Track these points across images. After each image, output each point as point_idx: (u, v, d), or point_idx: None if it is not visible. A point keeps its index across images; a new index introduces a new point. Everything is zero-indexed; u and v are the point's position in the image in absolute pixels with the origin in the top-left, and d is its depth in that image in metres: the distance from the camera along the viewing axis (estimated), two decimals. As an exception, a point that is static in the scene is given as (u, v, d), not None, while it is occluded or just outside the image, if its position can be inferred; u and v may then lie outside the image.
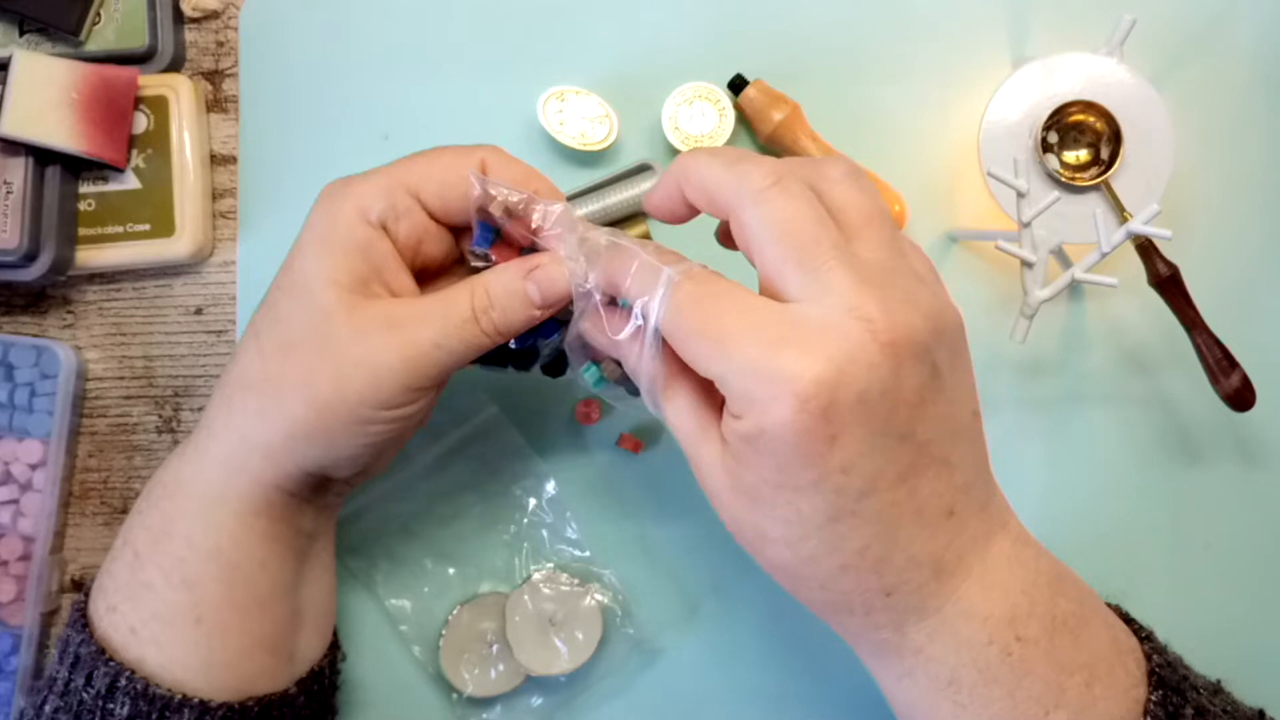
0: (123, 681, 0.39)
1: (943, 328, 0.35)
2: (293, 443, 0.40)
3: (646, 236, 0.51)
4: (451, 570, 0.52)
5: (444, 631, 0.51)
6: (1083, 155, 0.50)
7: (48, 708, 0.40)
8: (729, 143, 0.52)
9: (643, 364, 0.37)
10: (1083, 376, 0.53)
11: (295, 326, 0.39)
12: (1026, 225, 0.46)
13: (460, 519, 0.52)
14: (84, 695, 0.39)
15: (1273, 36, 0.53)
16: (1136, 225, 0.44)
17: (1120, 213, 0.48)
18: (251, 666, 0.41)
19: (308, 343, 0.39)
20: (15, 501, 0.51)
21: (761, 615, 0.52)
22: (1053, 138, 0.49)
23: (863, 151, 0.51)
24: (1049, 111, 0.49)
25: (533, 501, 0.52)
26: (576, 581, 0.51)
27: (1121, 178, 0.49)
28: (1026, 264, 0.47)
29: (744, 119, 0.52)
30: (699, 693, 0.52)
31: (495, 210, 0.39)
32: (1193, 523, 0.53)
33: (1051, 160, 0.49)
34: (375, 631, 0.51)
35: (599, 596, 0.51)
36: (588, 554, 0.52)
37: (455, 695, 0.50)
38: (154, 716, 0.38)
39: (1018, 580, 0.37)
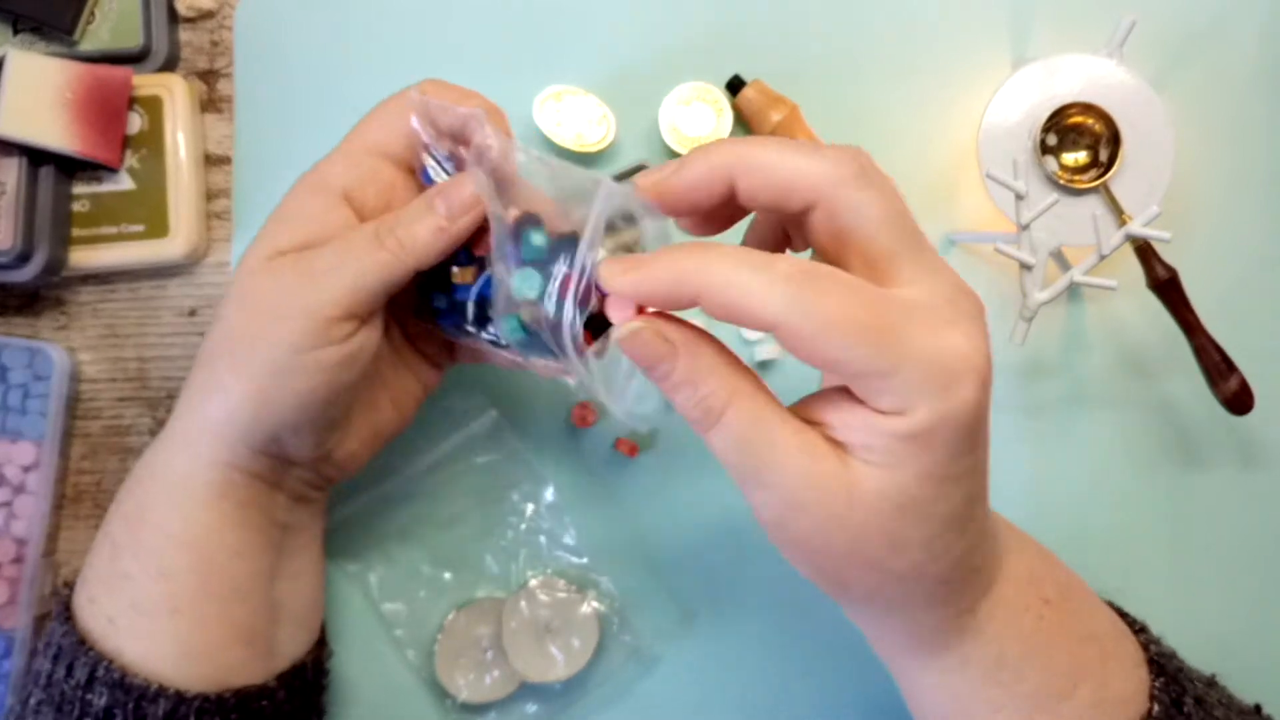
0: (100, 671, 0.39)
1: None
2: (232, 416, 0.39)
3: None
4: (448, 575, 0.52)
5: (439, 637, 0.50)
6: (1082, 157, 0.49)
7: (32, 700, 0.40)
8: (727, 144, 0.52)
9: (569, 299, 0.35)
10: (1082, 379, 0.53)
11: (227, 297, 0.40)
12: (1025, 227, 0.46)
13: (457, 524, 0.52)
14: (65, 686, 0.39)
15: (1273, 38, 0.53)
16: (1135, 228, 0.44)
17: (1119, 215, 0.48)
18: (228, 658, 0.41)
19: (233, 308, 0.39)
20: (8, 504, 0.50)
21: (758, 624, 0.52)
22: (1052, 140, 0.49)
23: (861, 153, 0.51)
24: (1048, 113, 0.48)
25: (530, 507, 0.52)
26: (573, 588, 0.51)
27: (1121, 180, 0.49)
28: (1025, 266, 0.47)
29: (742, 120, 0.52)
30: (695, 701, 0.51)
31: (442, 145, 0.39)
32: (1191, 525, 0.52)
33: (1050, 162, 0.49)
34: (369, 635, 0.51)
35: (595, 604, 0.51)
36: (585, 560, 0.52)
37: (449, 701, 0.50)
38: (131, 706, 0.38)
39: (1020, 544, 0.37)
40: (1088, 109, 0.48)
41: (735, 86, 0.51)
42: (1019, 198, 0.46)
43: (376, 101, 0.53)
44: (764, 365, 0.52)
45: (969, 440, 0.32)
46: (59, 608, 0.42)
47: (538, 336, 0.37)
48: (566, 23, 0.53)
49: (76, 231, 0.51)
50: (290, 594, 0.44)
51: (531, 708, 0.51)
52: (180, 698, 0.39)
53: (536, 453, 0.52)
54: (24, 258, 0.49)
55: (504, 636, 0.50)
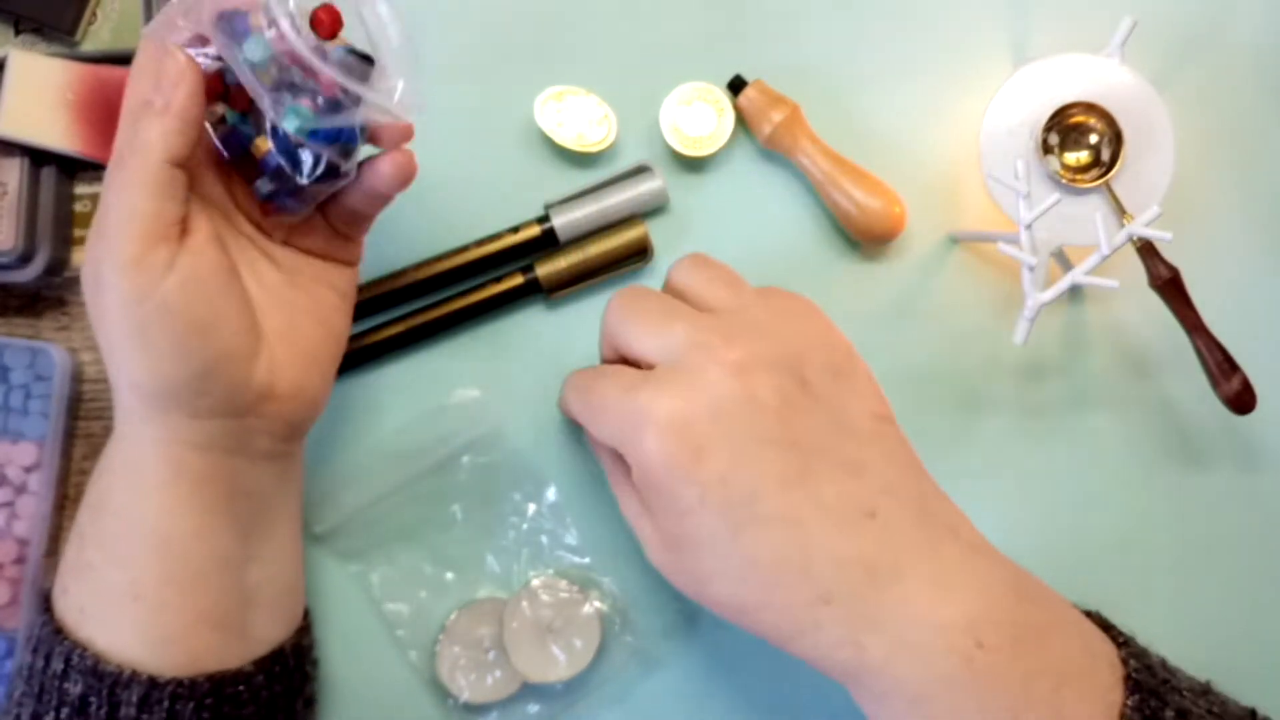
0: (75, 660, 0.39)
1: (804, 348, 0.39)
2: (140, 391, 0.39)
3: (644, 238, 0.51)
4: (449, 575, 0.52)
5: (441, 637, 0.50)
6: (1084, 157, 0.49)
7: (15, 693, 0.41)
8: (729, 144, 0.52)
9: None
10: (1083, 379, 0.52)
11: None
12: (1027, 227, 0.46)
13: (459, 524, 0.52)
14: (43, 677, 0.39)
15: (1274, 37, 0.53)
16: (1137, 227, 0.44)
17: (1121, 214, 0.48)
18: (197, 643, 0.41)
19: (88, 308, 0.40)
20: (10, 504, 0.50)
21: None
22: (1054, 139, 0.49)
23: (862, 152, 0.51)
24: (1050, 113, 0.48)
25: (532, 507, 0.52)
26: (575, 588, 0.51)
27: (1122, 179, 0.49)
28: (1027, 266, 0.47)
29: (743, 120, 0.52)
30: (696, 703, 0.51)
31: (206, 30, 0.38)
32: (1193, 526, 0.52)
33: (1052, 162, 0.49)
34: (371, 636, 0.51)
35: (598, 604, 0.51)
36: (587, 560, 0.52)
37: (451, 701, 0.50)
38: (104, 693, 0.39)
39: (972, 586, 0.37)
40: (1090, 108, 0.48)
41: (737, 86, 0.51)
42: (1021, 197, 0.46)
43: (378, 102, 0.53)
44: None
45: (679, 478, 0.37)
46: (40, 600, 0.42)
47: (325, 114, 0.39)
48: (568, 23, 0.53)
49: (78, 232, 0.51)
50: (265, 578, 0.44)
51: (533, 708, 0.51)
52: (153, 683, 0.39)
53: (538, 453, 0.52)
54: (26, 258, 0.49)
55: (506, 637, 0.50)
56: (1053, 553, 0.52)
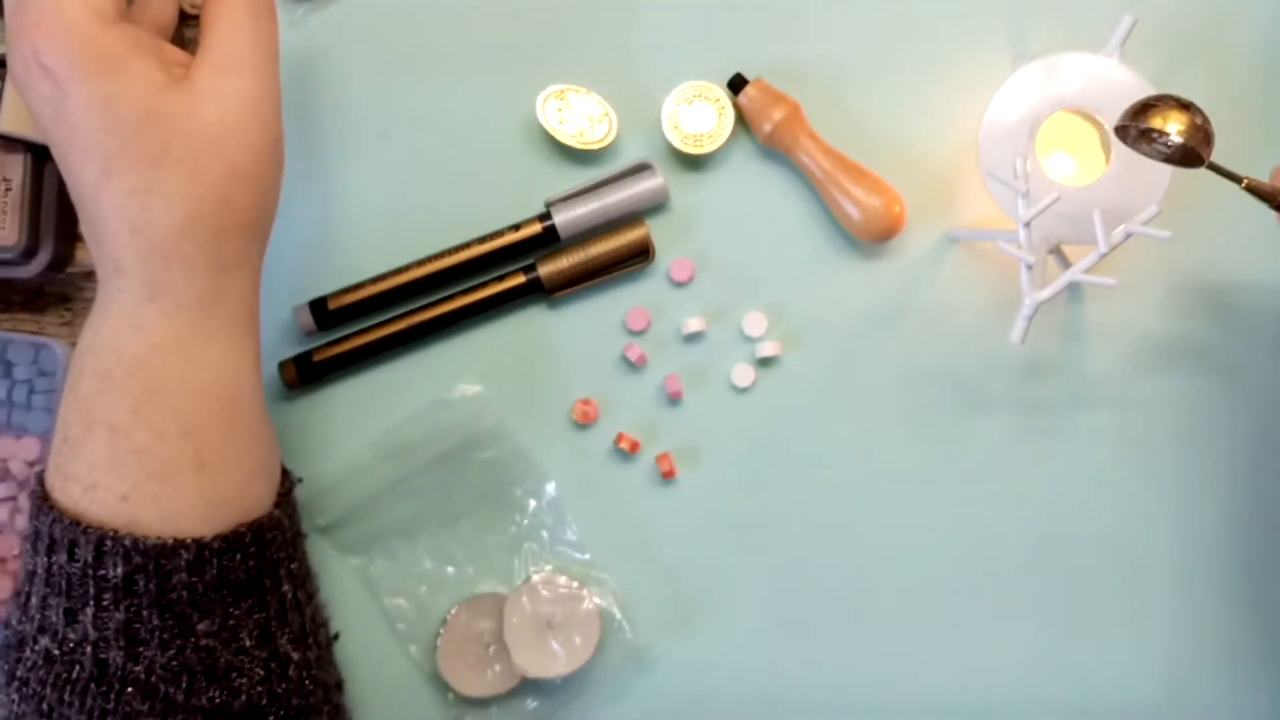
0: (109, 545, 0.38)
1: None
2: (154, 203, 0.39)
3: (646, 237, 0.51)
4: (450, 570, 0.52)
5: (441, 631, 0.51)
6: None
7: (34, 600, 0.40)
8: (729, 142, 0.52)
9: None
10: (1082, 377, 0.53)
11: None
12: (1026, 225, 0.46)
13: (460, 519, 0.52)
14: (70, 571, 0.39)
15: (1273, 37, 0.53)
16: (1134, 227, 0.44)
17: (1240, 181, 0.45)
18: (250, 496, 0.42)
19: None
20: (13, 498, 0.51)
21: (758, 623, 0.52)
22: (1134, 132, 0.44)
23: (862, 151, 0.51)
24: (1048, 112, 0.48)
25: (533, 503, 0.52)
26: (575, 584, 0.51)
27: (1120, 180, 0.49)
28: (1025, 264, 0.47)
29: (743, 118, 0.52)
30: (695, 699, 0.52)
31: None
32: (1193, 525, 0.52)
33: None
34: (372, 630, 0.51)
35: (597, 600, 0.51)
36: (587, 556, 0.52)
37: (450, 695, 0.50)
38: (151, 568, 0.39)
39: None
40: (1175, 103, 0.44)
41: (737, 85, 0.52)
42: (1019, 195, 0.46)
43: (376, 98, 0.53)
44: (764, 363, 0.52)
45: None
46: (34, 509, 0.41)
47: None
48: (569, 21, 0.53)
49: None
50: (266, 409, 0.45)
51: (532, 703, 0.51)
52: (200, 544, 0.39)
53: (539, 449, 0.52)
54: (29, 254, 0.49)
55: (505, 632, 0.50)
56: (1051, 549, 0.53)
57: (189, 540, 0.39)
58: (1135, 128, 0.43)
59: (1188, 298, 0.52)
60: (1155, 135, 0.43)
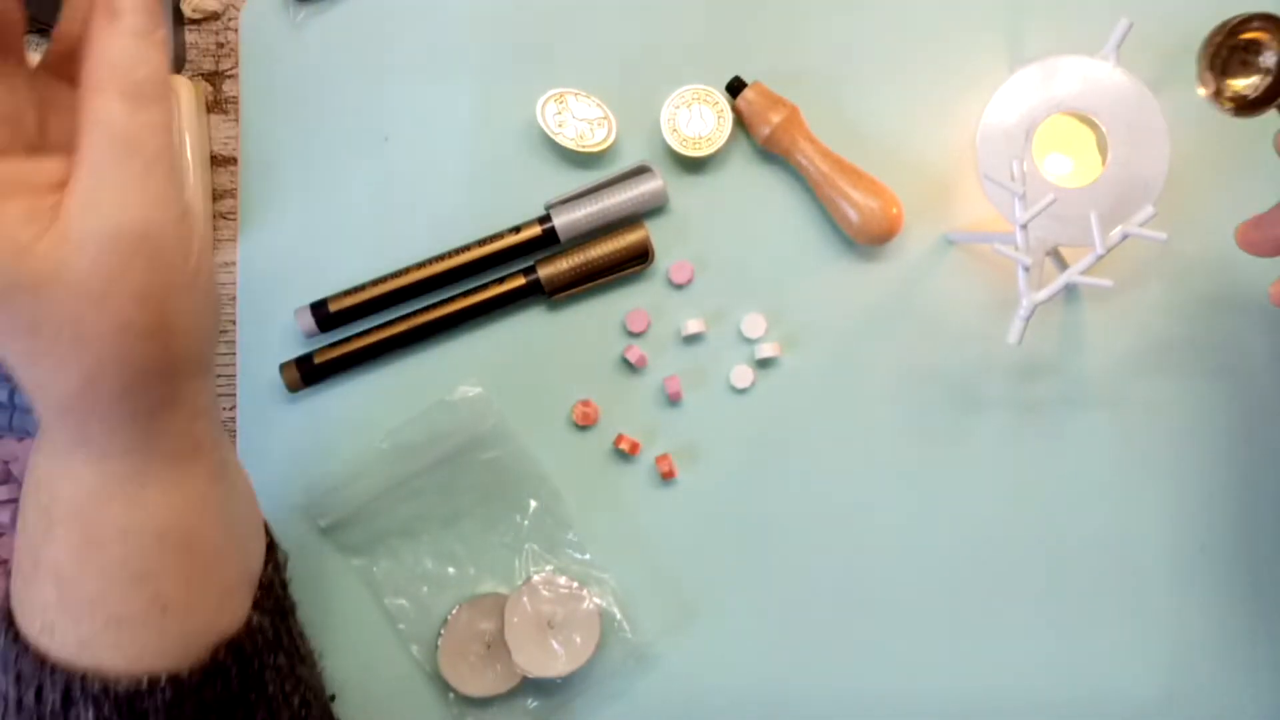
0: (76, 691, 0.36)
1: None
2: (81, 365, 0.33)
3: (645, 241, 0.52)
4: (451, 570, 0.52)
5: (442, 631, 0.51)
6: (1255, 81, 0.41)
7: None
8: (728, 145, 0.52)
9: None
10: (1079, 378, 0.53)
11: None
12: (1022, 227, 0.47)
13: (461, 520, 0.52)
14: (40, 713, 0.36)
15: (1268, 40, 0.53)
16: (1131, 228, 0.45)
17: None
18: (221, 619, 0.39)
19: None
20: (15, 501, 0.51)
21: (758, 623, 0.52)
22: (1216, 63, 0.42)
23: (860, 154, 0.52)
24: (1045, 115, 0.49)
25: (533, 503, 0.52)
26: (576, 584, 0.51)
27: (1116, 181, 0.49)
28: (1022, 266, 0.47)
29: (742, 121, 0.52)
30: (695, 698, 0.52)
31: None
32: (1189, 525, 0.53)
33: (1222, 85, 0.43)
34: (373, 630, 0.52)
35: (598, 600, 0.51)
36: (587, 556, 0.52)
37: (451, 695, 0.50)
38: (124, 709, 0.36)
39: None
40: (1269, 20, 0.42)
41: (735, 88, 0.52)
42: (1016, 197, 0.47)
43: (377, 102, 0.54)
44: (763, 364, 0.52)
45: None
46: (5, 624, 0.38)
47: None
48: (568, 26, 0.53)
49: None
50: (242, 518, 0.41)
51: (533, 703, 0.51)
52: (176, 681, 0.37)
53: (540, 450, 0.53)
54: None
55: (506, 632, 0.50)
56: (1048, 549, 0.53)
57: (163, 681, 0.36)
58: (1228, 46, 0.40)
59: (1184, 299, 0.52)
60: (1261, 46, 0.40)
